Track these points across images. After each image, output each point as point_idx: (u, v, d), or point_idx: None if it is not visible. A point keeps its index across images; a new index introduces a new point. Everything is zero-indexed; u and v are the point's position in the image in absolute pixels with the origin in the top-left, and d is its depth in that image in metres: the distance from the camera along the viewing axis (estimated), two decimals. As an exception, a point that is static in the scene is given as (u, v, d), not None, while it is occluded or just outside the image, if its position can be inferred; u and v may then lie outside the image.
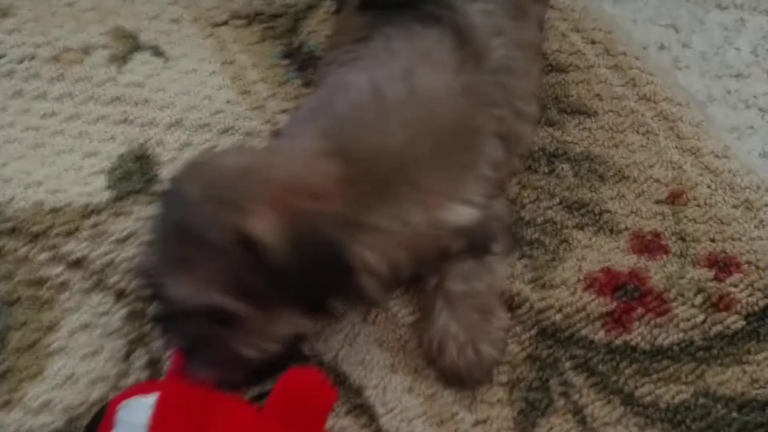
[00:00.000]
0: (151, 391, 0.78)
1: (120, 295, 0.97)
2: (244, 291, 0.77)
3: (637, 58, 1.28)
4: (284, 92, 1.21)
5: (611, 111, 1.21)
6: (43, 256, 1.00)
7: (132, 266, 0.98)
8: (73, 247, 1.00)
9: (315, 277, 0.78)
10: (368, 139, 0.86)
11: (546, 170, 1.13)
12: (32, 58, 1.21)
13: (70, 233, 1.01)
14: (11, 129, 1.13)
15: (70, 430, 0.87)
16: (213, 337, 0.81)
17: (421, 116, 0.90)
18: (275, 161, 0.83)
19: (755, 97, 1.27)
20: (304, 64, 1.25)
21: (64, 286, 0.98)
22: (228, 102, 1.18)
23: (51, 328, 0.94)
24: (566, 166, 1.14)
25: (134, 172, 1.09)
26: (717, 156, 1.16)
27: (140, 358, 0.92)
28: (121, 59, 1.23)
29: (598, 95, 1.23)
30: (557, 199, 1.10)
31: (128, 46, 1.25)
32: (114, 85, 1.19)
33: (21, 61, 1.20)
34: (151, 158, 1.11)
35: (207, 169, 0.82)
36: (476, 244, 0.94)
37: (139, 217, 1.04)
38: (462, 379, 0.91)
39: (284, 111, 1.17)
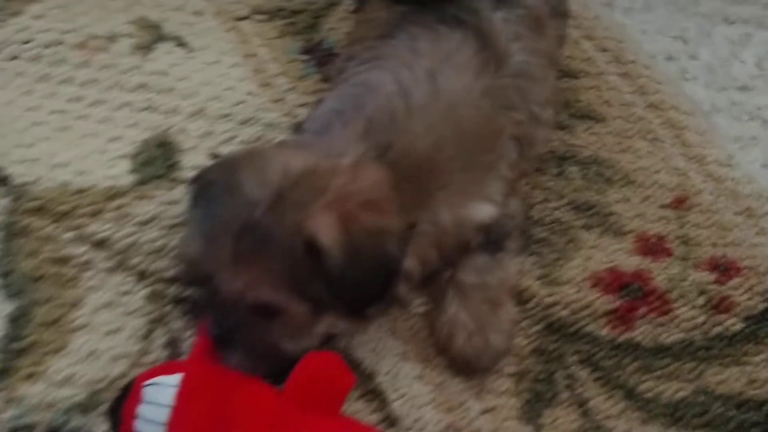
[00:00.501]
0: (176, 371, 0.80)
1: (142, 275, 1.00)
2: (298, 290, 0.80)
3: (646, 67, 1.32)
4: (303, 86, 1.24)
5: (620, 117, 1.24)
6: (68, 235, 1.02)
7: (156, 249, 1.02)
8: (97, 228, 1.03)
9: (365, 286, 0.82)
10: (402, 143, 0.89)
11: (555, 172, 1.17)
12: (59, 44, 1.24)
13: (94, 214, 1.04)
14: (38, 112, 1.15)
15: (93, 404, 0.90)
16: (254, 328, 0.83)
17: (446, 118, 0.93)
18: (335, 166, 0.84)
19: (759, 108, 1.31)
20: (323, 60, 1.28)
21: (87, 265, 1.00)
22: (249, 94, 1.21)
23: (74, 305, 0.97)
24: (575, 169, 1.17)
25: (157, 158, 1.12)
26: (721, 164, 1.20)
27: (160, 338, 0.95)
28: (145, 48, 1.25)
29: (607, 101, 1.26)
30: (565, 200, 1.13)
31: (152, 35, 1.28)
32: (138, 73, 1.21)
33: (48, 47, 1.23)
34: (173, 145, 1.14)
35: (268, 167, 0.83)
36: (492, 240, 0.97)
37: (162, 201, 1.06)
38: (470, 366, 0.94)
39: (303, 105, 1.20)
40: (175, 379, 0.78)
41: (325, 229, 0.78)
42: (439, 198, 0.91)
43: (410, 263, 0.88)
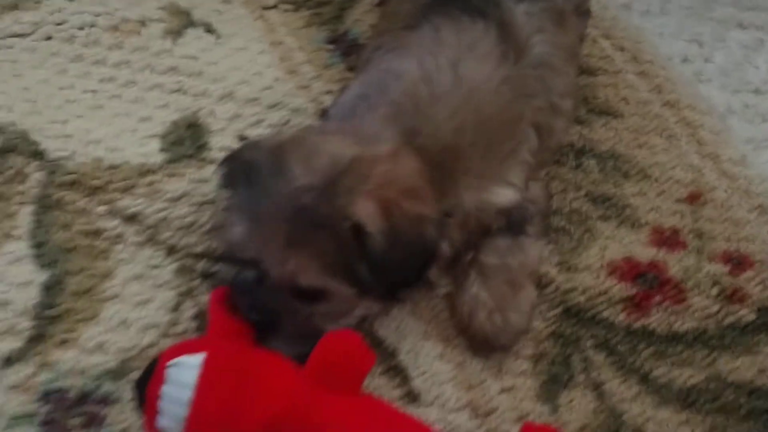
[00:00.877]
0: (199, 350, 0.81)
1: (171, 250, 1.03)
2: (346, 274, 0.84)
3: (663, 68, 1.35)
4: (329, 75, 1.27)
5: (636, 114, 1.27)
6: (101, 209, 1.05)
7: (185, 225, 1.05)
8: (129, 203, 1.06)
9: (405, 269, 0.87)
10: (428, 128, 0.93)
11: (573, 164, 1.19)
12: (92, 26, 1.27)
13: (126, 189, 1.07)
14: (71, 90, 1.18)
15: (123, 371, 0.92)
16: (298, 312, 0.86)
17: (467, 105, 0.96)
18: (376, 155, 0.87)
19: (772, 111, 1.34)
20: (348, 50, 1.31)
21: (119, 238, 1.03)
22: (276, 80, 1.24)
23: (106, 276, 0.99)
24: (592, 162, 1.20)
25: (186, 139, 1.14)
26: (734, 163, 1.23)
27: (189, 310, 0.98)
28: (175, 33, 1.28)
29: (624, 99, 1.29)
30: (583, 192, 1.16)
31: (182, 21, 1.31)
32: (169, 56, 1.24)
33: (81, 28, 1.26)
34: (202, 127, 1.16)
35: (316, 154, 0.85)
36: (513, 223, 1.00)
37: (192, 179, 1.09)
38: (489, 343, 0.97)
39: (329, 92, 1.23)
40: (197, 359, 0.79)
41: (369, 215, 0.82)
42: (462, 183, 0.94)
43: (444, 247, 0.92)
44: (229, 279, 0.91)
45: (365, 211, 0.82)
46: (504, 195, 0.98)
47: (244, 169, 0.88)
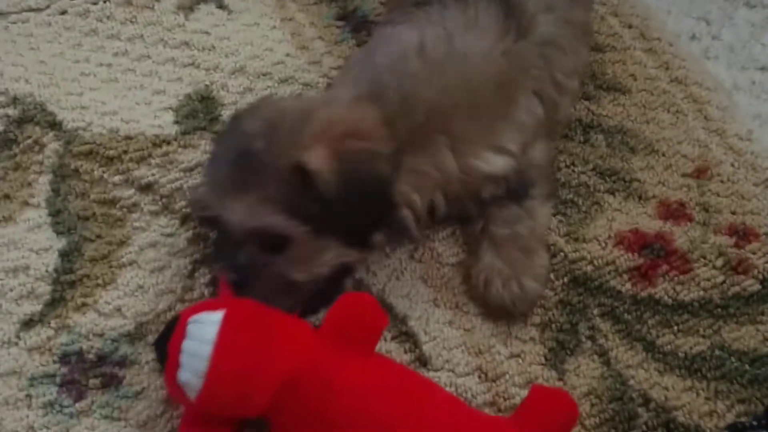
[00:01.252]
0: (219, 307, 0.83)
1: (185, 219, 1.05)
2: (295, 214, 0.84)
3: (670, 45, 1.36)
4: (339, 50, 1.28)
5: (644, 90, 1.28)
6: (116, 178, 1.07)
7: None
8: (145, 172, 1.08)
9: (360, 208, 0.87)
10: (405, 86, 0.94)
11: (581, 139, 1.21)
12: (105, 0, 1.28)
13: (142, 159, 1.09)
14: (86, 63, 1.20)
15: (140, 334, 0.95)
16: (264, 264, 0.87)
17: (457, 70, 0.98)
18: (326, 105, 0.91)
19: (779, 88, 1.35)
20: (357, 26, 1.32)
21: (135, 206, 1.05)
22: (288, 55, 1.26)
23: (122, 242, 1.02)
24: (600, 137, 1.21)
25: (199, 111, 1.16)
26: (741, 138, 1.24)
27: (204, 276, 1.00)
28: (187, 8, 1.30)
29: (632, 75, 1.30)
30: (591, 166, 1.17)
31: (194, -4, 1.32)
32: (182, 30, 1.26)
33: (95, 3, 1.28)
34: (215, 100, 1.18)
35: (267, 109, 0.89)
36: (515, 189, 1.01)
37: (205, 150, 1.11)
38: (506, 311, 0.99)
39: (339, 67, 1.25)
40: (217, 315, 0.81)
41: (315, 155, 0.83)
42: (442, 142, 0.95)
43: (410, 195, 0.93)
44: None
45: (314, 155, 0.83)
46: (493, 162, 0.98)
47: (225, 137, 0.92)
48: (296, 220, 0.84)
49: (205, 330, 0.80)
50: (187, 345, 0.79)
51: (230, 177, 0.85)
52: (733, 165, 1.20)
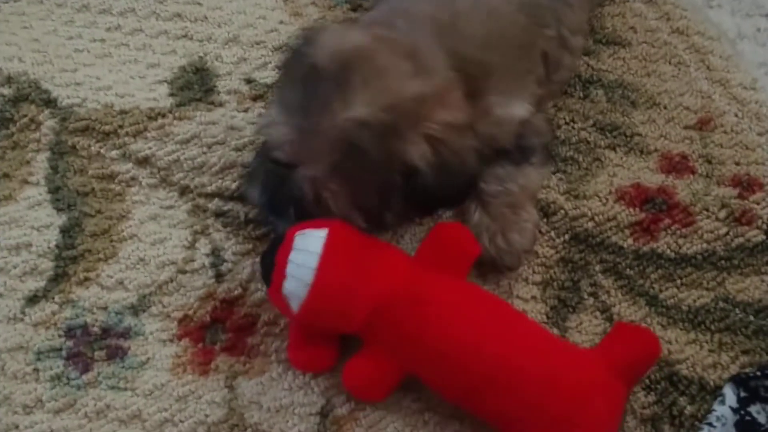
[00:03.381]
0: (322, 227, 0.85)
1: (184, 190, 1.05)
2: (368, 211, 0.88)
3: (671, -6, 1.33)
4: (333, 15, 1.27)
5: (645, 42, 1.26)
6: (114, 153, 1.07)
7: (196, 165, 1.07)
8: (141, 146, 1.08)
9: (446, 197, 0.94)
10: (462, 47, 0.94)
11: (581, 95, 1.19)
12: (96, -25, 1.27)
13: (138, 133, 1.09)
14: (79, 39, 1.20)
15: (143, 306, 0.96)
16: (304, 208, 0.88)
17: (490, 23, 0.99)
18: (433, 92, 0.88)
19: (784, 35, 1.32)
20: (351, -10, 1.31)
21: (133, 180, 1.05)
22: (281, 22, 1.24)
23: (123, 216, 1.02)
24: (600, 92, 1.20)
25: (194, 83, 1.16)
26: (745, 88, 1.22)
27: (204, 246, 1.01)
28: (179, -21, 1.29)
29: (632, 28, 1.28)
30: (591, 122, 1.16)
31: (185, -33, 1.31)
32: (174, 2, 1.25)
33: (86, -22, 1.27)
34: (209, 71, 1.17)
35: (376, 80, 0.85)
36: (519, 149, 1.01)
37: (201, 121, 1.11)
38: (495, 265, 0.99)
39: (333, 33, 1.23)
40: (322, 231, 0.84)
41: (421, 156, 0.85)
42: (492, 99, 0.97)
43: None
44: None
45: (418, 153, 0.85)
46: (523, 108, 1.01)
47: (304, 67, 0.87)
48: (365, 216, 0.88)
49: (311, 242, 0.83)
50: (294, 256, 0.83)
51: (331, 157, 0.84)
52: (736, 115, 1.18)
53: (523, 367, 0.82)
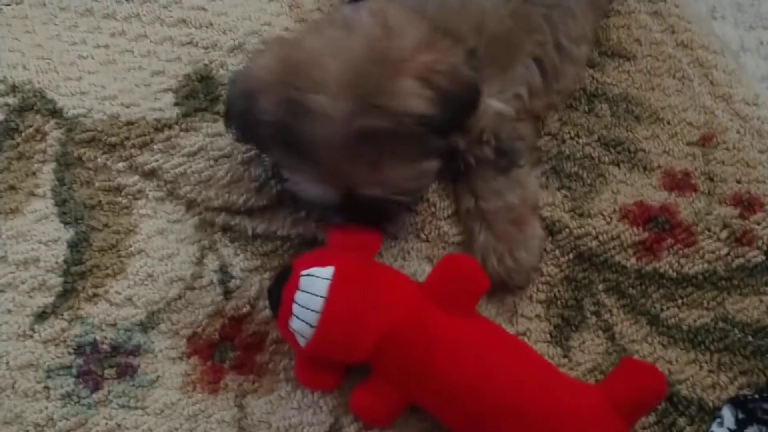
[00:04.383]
0: (328, 262, 0.87)
1: (191, 204, 1.05)
2: (421, 153, 0.91)
3: (676, 6, 1.33)
4: (339, 22, 1.26)
5: (649, 56, 1.26)
6: (120, 165, 1.07)
7: (203, 179, 1.06)
8: (148, 158, 1.08)
9: (461, 110, 0.93)
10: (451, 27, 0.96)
11: (586, 109, 1.19)
12: (99, -23, 1.26)
13: (144, 145, 1.09)
14: (83, 45, 1.18)
15: (152, 323, 0.96)
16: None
17: (478, 18, 0.99)
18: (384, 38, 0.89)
19: (787, 48, 1.33)
20: (358, -4, 1.29)
21: (140, 193, 1.05)
22: (286, 29, 1.23)
23: (130, 231, 1.02)
24: (605, 106, 1.20)
25: (199, 92, 1.15)
26: (747, 103, 1.22)
27: (212, 263, 1.01)
28: (184, -17, 1.27)
29: (637, 40, 1.28)
30: (595, 137, 1.17)
31: (189, -29, 1.29)
32: (179, 7, 1.24)
33: (89, -20, 1.25)
34: (215, 79, 1.17)
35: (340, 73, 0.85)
36: (500, 161, 1.02)
37: (208, 133, 1.10)
38: (504, 285, 1.00)
39: (339, 40, 1.23)
40: (328, 271, 0.85)
41: (415, 96, 0.86)
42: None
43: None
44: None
45: (412, 96, 0.85)
46: (499, 103, 1.01)
47: (264, 127, 0.89)
48: (423, 157, 0.90)
49: (317, 284, 0.85)
50: (300, 297, 0.85)
51: (357, 159, 0.86)
52: (738, 132, 1.19)
53: (527, 400, 0.83)
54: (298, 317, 0.84)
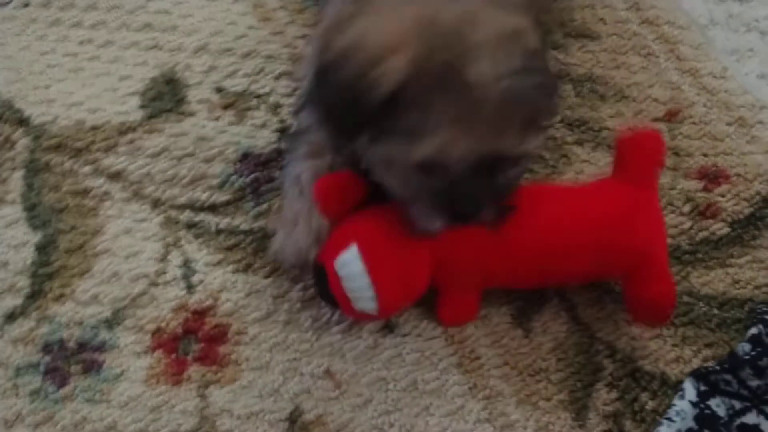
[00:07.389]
0: (347, 243, 0.90)
1: (156, 203, 1.08)
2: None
3: (641, -18, 1.33)
4: (302, 19, 1.28)
5: (614, 34, 1.26)
6: (86, 169, 1.10)
7: (167, 178, 1.09)
8: (113, 161, 1.10)
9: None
10: None
11: (549, 91, 1.19)
12: (67, -12, 1.29)
13: (109, 148, 1.11)
14: (52, 55, 1.22)
15: (117, 319, 0.98)
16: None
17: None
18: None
19: (756, 20, 1.31)
20: (321, -8, 1.31)
21: (106, 195, 1.08)
22: (250, 27, 1.26)
23: (96, 232, 1.05)
24: (568, 87, 1.20)
25: (165, 94, 1.17)
26: (715, 77, 1.22)
27: (176, 258, 1.03)
28: (149, -13, 1.30)
29: (602, 19, 1.28)
30: (558, 117, 1.16)
31: (155, -25, 1.32)
32: (144, 12, 1.27)
33: (57, -9, 1.29)
34: (180, 81, 1.19)
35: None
36: None
37: (171, 133, 1.13)
38: None
39: (302, 36, 1.25)
40: (353, 251, 0.90)
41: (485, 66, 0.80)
42: None
43: None
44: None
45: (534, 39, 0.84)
46: None
47: (381, 95, 0.80)
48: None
49: (352, 266, 0.89)
50: (347, 284, 0.90)
51: (507, 120, 0.82)
52: (705, 105, 1.19)
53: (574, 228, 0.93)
54: (358, 300, 0.90)
